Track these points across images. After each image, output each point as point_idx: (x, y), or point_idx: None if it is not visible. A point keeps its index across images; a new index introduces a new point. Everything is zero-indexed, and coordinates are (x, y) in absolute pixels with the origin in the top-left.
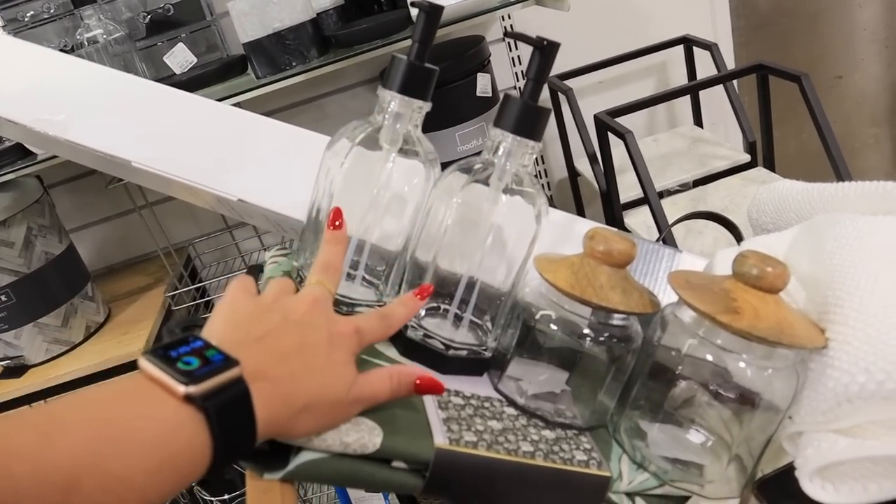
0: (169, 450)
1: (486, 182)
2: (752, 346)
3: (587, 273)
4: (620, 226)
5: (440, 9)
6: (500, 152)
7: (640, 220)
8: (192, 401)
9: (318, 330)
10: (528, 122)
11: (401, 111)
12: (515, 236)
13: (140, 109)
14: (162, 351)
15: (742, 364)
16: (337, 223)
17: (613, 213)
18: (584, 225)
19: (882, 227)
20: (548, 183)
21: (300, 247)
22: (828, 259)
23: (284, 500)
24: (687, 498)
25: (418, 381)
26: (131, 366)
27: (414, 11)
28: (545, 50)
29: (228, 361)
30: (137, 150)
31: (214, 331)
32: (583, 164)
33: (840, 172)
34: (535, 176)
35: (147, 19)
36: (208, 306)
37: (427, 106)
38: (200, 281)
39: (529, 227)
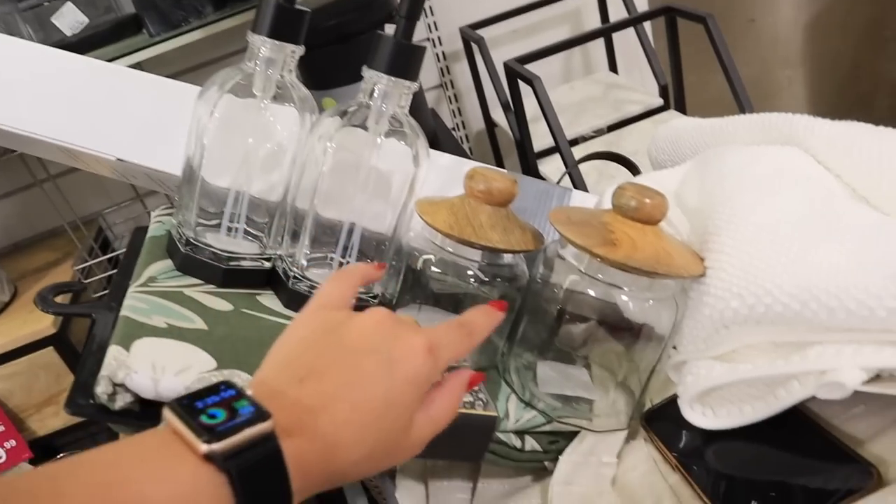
0: None
1: (364, 126)
2: (632, 277)
3: (467, 213)
4: (535, 173)
5: None
6: (375, 94)
7: (555, 168)
8: (213, 460)
9: (374, 356)
10: (402, 61)
11: (273, 56)
12: (396, 179)
13: (8, 69)
14: (188, 400)
15: (624, 297)
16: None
17: (528, 161)
18: (472, 166)
19: (762, 157)
20: (466, 135)
21: (179, 203)
22: (710, 190)
23: None
24: (575, 433)
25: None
26: (40, 344)
27: None
28: None
29: (259, 414)
30: (6, 112)
31: (265, 367)
32: (498, 115)
33: (744, 109)
34: (453, 129)
35: None
36: None
37: (300, 50)
38: (113, 251)
39: (409, 170)
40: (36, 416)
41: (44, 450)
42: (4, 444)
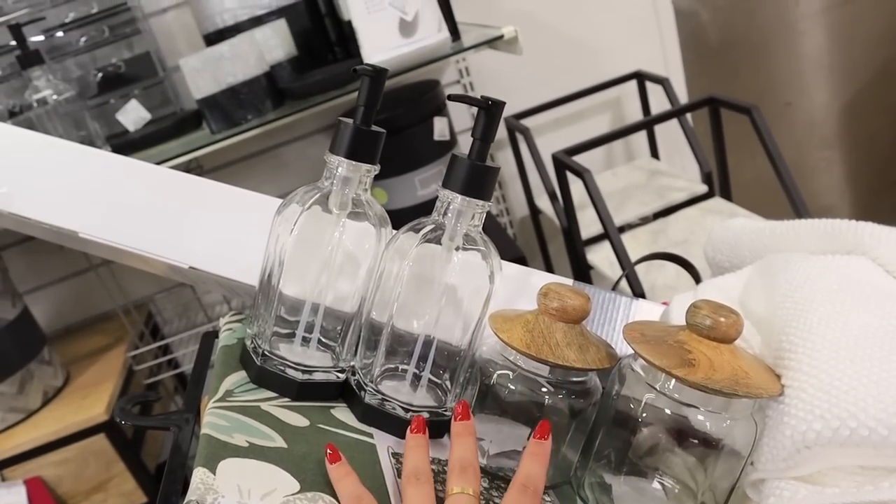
0: None
1: (438, 241)
2: (710, 397)
3: (542, 331)
4: (583, 262)
5: (384, 72)
6: (449, 213)
7: (602, 256)
8: None
9: None
10: (476, 182)
11: (349, 175)
12: (470, 294)
13: (85, 178)
14: None
15: (700, 416)
16: (461, 415)
17: (576, 249)
18: (540, 278)
19: (831, 269)
20: (510, 221)
21: (253, 314)
22: (780, 303)
23: None
24: None
25: None
26: (91, 431)
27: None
28: (490, 110)
29: None
30: (84, 221)
31: None
32: (543, 202)
33: (793, 198)
34: (497, 215)
35: (98, 77)
36: (171, 364)
37: (375, 169)
38: (163, 338)
39: (483, 286)
40: (84, 503)
41: None
42: None
